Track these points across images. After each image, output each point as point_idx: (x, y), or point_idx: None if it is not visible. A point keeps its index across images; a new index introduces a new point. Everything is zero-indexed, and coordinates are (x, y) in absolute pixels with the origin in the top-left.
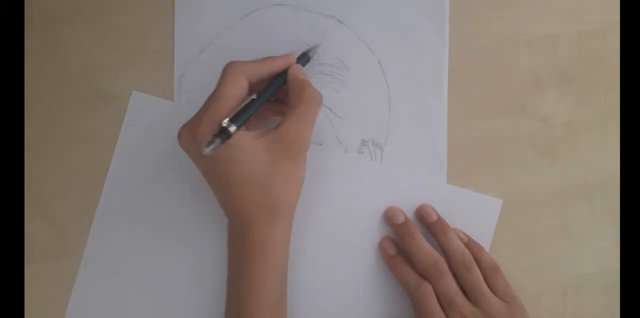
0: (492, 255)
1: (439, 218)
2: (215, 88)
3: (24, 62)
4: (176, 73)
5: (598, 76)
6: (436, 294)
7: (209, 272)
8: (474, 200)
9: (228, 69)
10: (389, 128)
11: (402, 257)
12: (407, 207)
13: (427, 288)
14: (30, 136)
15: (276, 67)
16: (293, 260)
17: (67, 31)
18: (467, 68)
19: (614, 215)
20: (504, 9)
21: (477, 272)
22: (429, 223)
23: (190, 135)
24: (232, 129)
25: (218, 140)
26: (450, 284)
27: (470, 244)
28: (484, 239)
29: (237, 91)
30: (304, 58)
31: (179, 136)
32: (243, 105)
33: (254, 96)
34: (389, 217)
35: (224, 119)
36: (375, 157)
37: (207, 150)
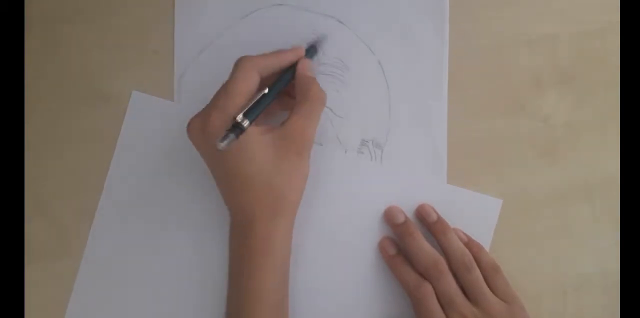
0: (492, 255)
1: (439, 218)
2: (227, 82)
3: (24, 62)
4: (176, 73)
5: (598, 76)
6: (436, 294)
7: (209, 271)
8: (474, 200)
9: (240, 64)
10: (389, 128)
11: (402, 257)
12: (407, 207)
13: (427, 288)
14: (30, 136)
15: (286, 60)
16: (293, 259)
17: (67, 31)
18: (467, 68)
19: (614, 215)
20: (504, 9)
21: (477, 272)
22: (429, 223)
23: (199, 128)
24: (246, 123)
25: (232, 135)
26: (450, 284)
27: (470, 244)
28: (484, 239)
29: (249, 86)
30: (311, 50)
31: (188, 128)
32: (255, 100)
33: (266, 91)
34: (389, 217)
35: (237, 113)
36: (375, 157)
37: (222, 145)
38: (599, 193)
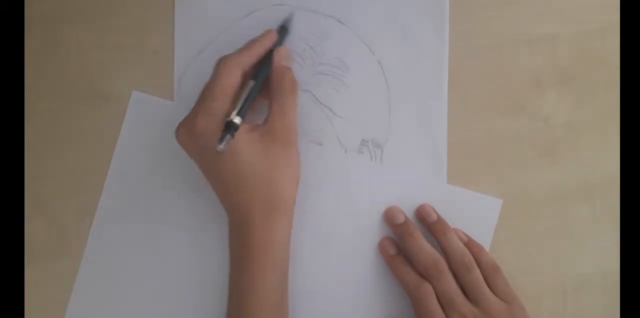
0: (492, 255)
1: (439, 218)
2: (210, 83)
3: (24, 62)
4: (176, 73)
5: (598, 76)
6: (436, 294)
7: (209, 271)
8: (474, 200)
9: (221, 64)
10: (389, 128)
11: (402, 257)
12: (407, 207)
13: (427, 288)
14: (30, 136)
15: (262, 49)
16: (292, 260)
17: (67, 31)
18: (467, 68)
19: (614, 215)
20: (504, 9)
21: (477, 272)
22: (429, 223)
23: (187, 132)
24: (238, 120)
25: (228, 136)
26: (450, 284)
27: (470, 244)
28: (484, 239)
29: (232, 84)
30: (283, 31)
31: (177, 134)
32: (245, 95)
33: (251, 84)
34: (389, 217)
35: (225, 113)
36: (375, 157)
37: (221, 147)
38: (599, 193)
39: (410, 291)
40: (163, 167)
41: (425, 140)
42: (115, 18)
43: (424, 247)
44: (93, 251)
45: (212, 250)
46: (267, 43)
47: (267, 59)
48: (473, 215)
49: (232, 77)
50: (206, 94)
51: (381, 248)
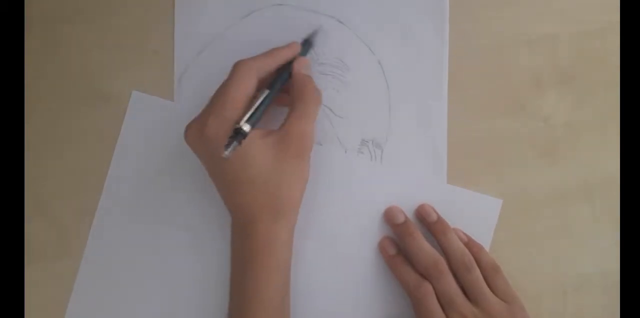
0: (492, 255)
1: (439, 218)
2: (224, 86)
3: (24, 62)
4: (176, 73)
5: (598, 76)
6: (436, 294)
7: (210, 271)
8: (474, 200)
9: (238, 68)
10: (389, 128)
11: (402, 257)
12: (407, 207)
13: (427, 288)
14: (30, 136)
15: (282, 59)
16: (293, 260)
17: (67, 31)
18: (467, 68)
19: (614, 215)
20: (504, 9)
21: (477, 272)
22: (429, 223)
23: (197, 133)
24: (247, 129)
25: (236, 143)
26: (450, 284)
27: (470, 244)
28: (484, 239)
29: (247, 91)
30: (306, 44)
31: (186, 134)
32: (257, 103)
33: (266, 92)
34: (389, 217)
35: (236, 119)
36: (375, 157)
37: (227, 154)
38: (599, 193)
39: (410, 291)
40: (163, 167)
41: (425, 140)
42: (115, 18)
43: (424, 247)
44: (93, 251)
45: (213, 250)
46: (287, 54)
47: (285, 69)
48: (473, 215)
49: (248, 83)
50: (220, 96)
51: (381, 248)
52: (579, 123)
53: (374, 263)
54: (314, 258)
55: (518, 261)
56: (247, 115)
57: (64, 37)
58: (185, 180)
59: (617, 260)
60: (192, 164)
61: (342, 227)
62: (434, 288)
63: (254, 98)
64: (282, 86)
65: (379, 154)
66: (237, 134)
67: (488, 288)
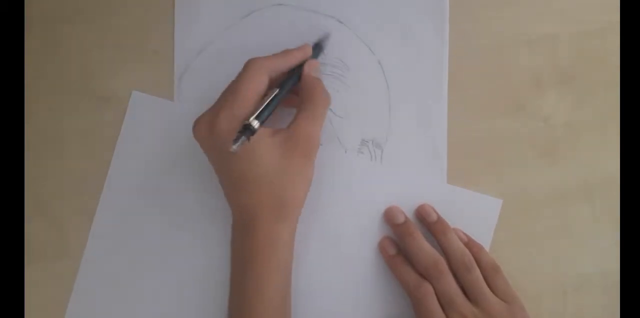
0: (492, 255)
1: (439, 218)
2: (235, 83)
3: (24, 62)
4: (176, 73)
5: (598, 76)
6: (436, 294)
7: (210, 271)
8: (474, 200)
9: (250, 66)
10: (389, 128)
11: (402, 257)
12: (407, 207)
13: (427, 288)
14: (30, 136)
15: (294, 60)
16: (293, 259)
17: (67, 31)
18: (467, 68)
19: (614, 215)
20: (504, 9)
21: (477, 272)
22: (429, 223)
23: (207, 129)
24: (257, 125)
25: (244, 137)
26: (450, 284)
27: (470, 244)
28: (484, 239)
29: (258, 89)
30: (317, 48)
31: (195, 128)
32: (267, 101)
33: (276, 91)
34: (389, 217)
35: (246, 115)
36: (375, 157)
37: (235, 148)
38: (599, 193)
39: (410, 291)
40: (163, 166)
41: (425, 140)
42: (115, 18)
43: (424, 247)
44: (93, 251)
45: (213, 250)
46: (299, 56)
47: (296, 71)
48: (473, 215)
49: (260, 81)
50: (231, 93)
51: (381, 248)
52: (579, 123)
53: (374, 263)
54: (314, 258)
55: (518, 261)
56: (258, 112)
57: (64, 37)
58: (186, 180)
59: (617, 260)
60: (192, 164)
61: (342, 227)
62: (434, 288)
63: (265, 96)
64: (292, 87)
65: (379, 154)
66: (246, 130)
67: (488, 288)
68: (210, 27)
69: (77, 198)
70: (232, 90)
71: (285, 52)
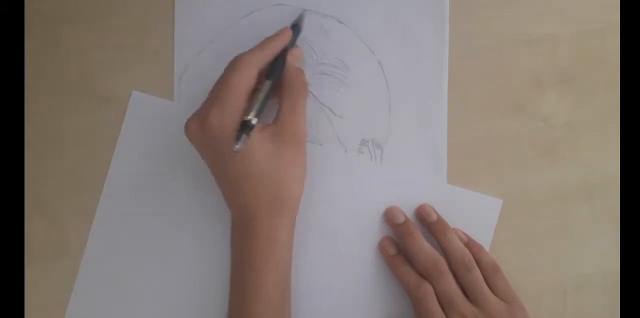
0: (492, 255)
1: (439, 218)
2: (225, 79)
3: (24, 62)
4: (176, 73)
5: (598, 76)
6: (436, 294)
7: (210, 271)
8: (474, 200)
9: (237, 63)
10: (389, 128)
11: (402, 257)
12: (407, 207)
13: (427, 288)
14: (30, 136)
15: (277, 48)
16: (293, 259)
17: (67, 31)
18: (467, 68)
19: (614, 215)
20: (504, 9)
21: (477, 272)
22: (429, 223)
23: (199, 127)
24: (254, 121)
25: (245, 135)
26: (450, 284)
27: (470, 244)
28: (484, 239)
29: (249, 83)
30: (296, 29)
31: (187, 128)
32: (263, 95)
33: (268, 84)
34: (389, 217)
35: (239, 112)
36: (375, 157)
37: (237, 147)
38: (599, 193)
39: (410, 291)
40: (163, 167)
41: (425, 140)
42: (115, 18)
43: (424, 247)
44: (93, 251)
45: (213, 250)
46: (282, 42)
47: (281, 57)
48: (473, 215)
49: (249, 75)
50: (221, 89)
51: (381, 248)
52: (579, 123)
53: (374, 263)
54: (314, 258)
55: (518, 261)
56: (256, 107)
57: (64, 37)
58: (185, 180)
59: (617, 260)
60: (192, 164)
61: (342, 227)
62: (434, 288)
63: (257, 90)
64: (280, 75)
65: (379, 154)
66: (245, 127)
67: (488, 288)
68: (210, 27)
69: (77, 198)
70: (222, 87)
71: (267, 41)
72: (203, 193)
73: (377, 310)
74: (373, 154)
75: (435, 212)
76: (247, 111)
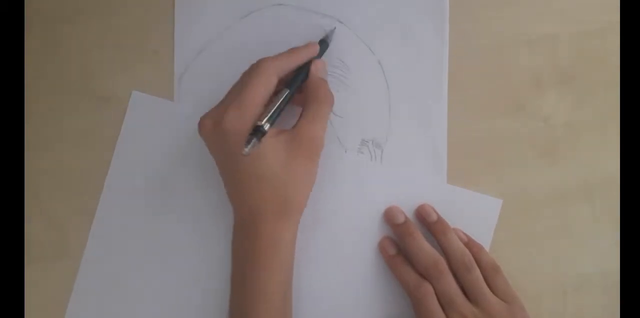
0: (492, 255)
1: (439, 218)
2: (245, 82)
3: (24, 62)
4: (176, 73)
5: (598, 76)
6: (436, 294)
7: (211, 271)
8: (474, 200)
9: (260, 67)
10: (389, 128)
11: (402, 257)
12: (407, 207)
13: (427, 288)
14: (30, 136)
15: (301, 59)
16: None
17: (67, 31)
18: (467, 68)
19: (614, 215)
20: (504, 9)
21: (477, 272)
22: (429, 223)
23: (213, 126)
24: (267, 127)
25: (255, 139)
26: (450, 284)
27: (470, 244)
28: (484, 239)
29: (268, 88)
30: (323, 45)
31: (201, 125)
32: (279, 103)
33: (287, 92)
34: (389, 217)
35: (254, 116)
36: (375, 157)
37: (247, 151)
38: (599, 193)
39: (410, 291)
40: (163, 167)
41: (425, 140)
42: (115, 18)
43: (424, 247)
44: (93, 251)
45: (213, 250)
46: (306, 55)
47: (303, 69)
48: (473, 215)
49: (269, 81)
50: (240, 92)
51: (381, 248)
52: (579, 123)
53: (374, 263)
54: (313, 258)
55: (518, 261)
56: (270, 114)
57: (64, 37)
58: (186, 180)
59: (617, 260)
60: (192, 164)
61: (342, 226)
62: (434, 288)
63: (274, 97)
64: (300, 85)
65: (379, 154)
66: (257, 132)
67: (488, 288)
68: (210, 27)
69: (77, 198)
70: (241, 90)
71: (293, 51)
72: (203, 193)
73: (377, 310)
74: (373, 154)
75: (435, 212)
76: (261, 117)
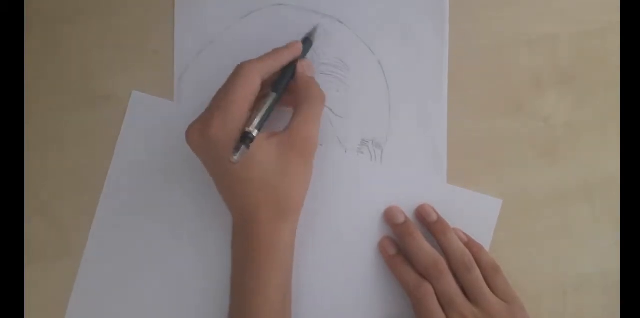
0: (492, 255)
1: (439, 218)
2: (229, 87)
3: (24, 62)
4: (176, 73)
5: (598, 76)
6: (436, 294)
7: (211, 271)
8: (474, 200)
9: (242, 70)
10: (389, 128)
11: (402, 257)
12: (407, 207)
13: (427, 288)
14: (30, 136)
15: (285, 60)
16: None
17: (67, 31)
18: (467, 68)
19: (614, 215)
20: (504, 9)
21: (477, 272)
22: (429, 223)
23: (200, 134)
24: (255, 133)
25: (244, 147)
26: (450, 284)
27: (470, 244)
28: (484, 239)
29: (252, 91)
30: (307, 43)
31: (188, 135)
32: (266, 107)
33: (273, 96)
34: (389, 217)
35: (241, 120)
36: (375, 157)
37: (236, 158)
38: (599, 193)
39: (410, 291)
40: (163, 167)
41: (425, 140)
42: (115, 18)
43: (424, 247)
44: (93, 251)
45: (213, 251)
46: (289, 55)
47: (288, 70)
48: (473, 215)
49: (253, 84)
50: (224, 97)
51: (381, 248)
52: (579, 123)
53: (374, 263)
54: (313, 258)
55: (518, 261)
56: (257, 119)
57: (64, 37)
58: (186, 180)
59: (617, 260)
60: (192, 164)
61: (343, 227)
62: (434, 288)
63: (261, 101)
64: (286, 87)
65: (379, 154)
66: (245, 138)
67: (488, 288)
68: (210, 27)
69: (77, 198)
70: (225, 95)
71: (275, 52)
72: (203, 193)
73: (377, 310)
74: (373, 154)
75: (435, 212)
76: (249, 123)
